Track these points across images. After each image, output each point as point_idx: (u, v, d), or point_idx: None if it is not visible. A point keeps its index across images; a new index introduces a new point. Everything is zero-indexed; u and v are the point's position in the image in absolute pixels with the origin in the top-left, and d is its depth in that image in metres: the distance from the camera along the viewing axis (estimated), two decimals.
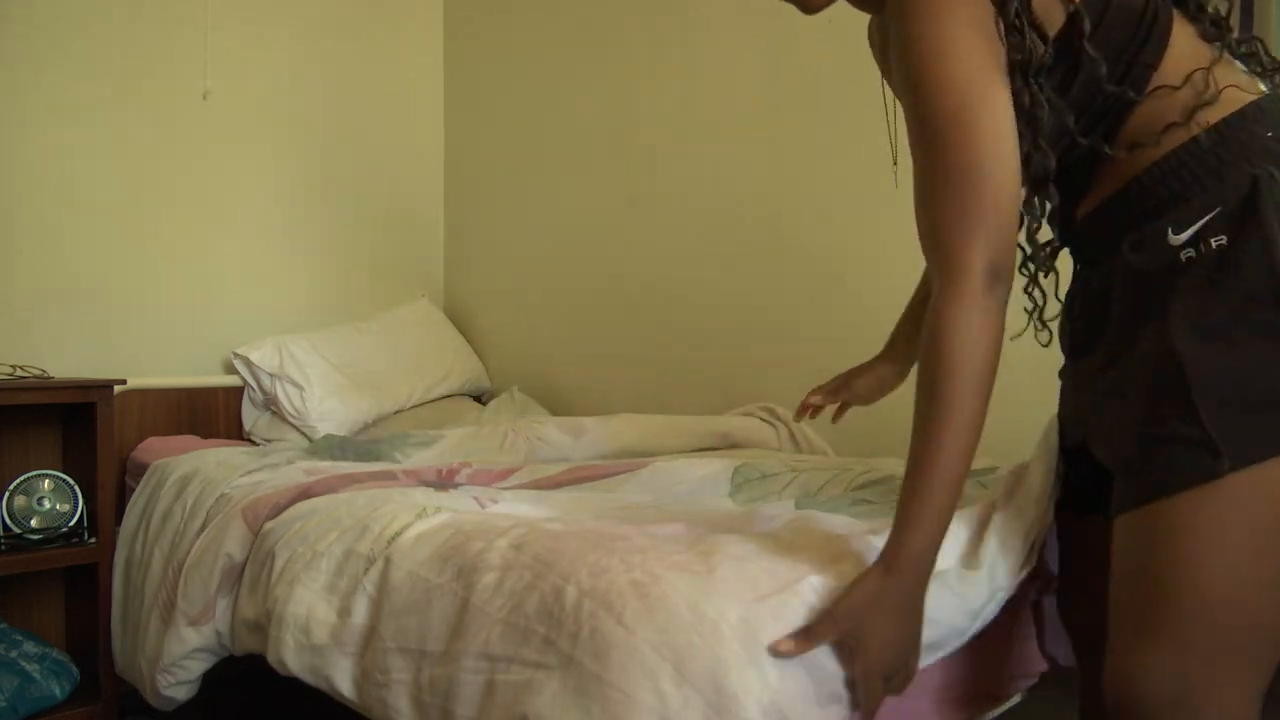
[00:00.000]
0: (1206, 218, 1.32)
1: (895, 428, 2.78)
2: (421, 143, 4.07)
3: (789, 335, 3.03)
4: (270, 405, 3.35)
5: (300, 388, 3.30)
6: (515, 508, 2.02)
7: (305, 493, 2.22)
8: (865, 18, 2.77)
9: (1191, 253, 1.32)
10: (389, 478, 2.32)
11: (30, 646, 2.65)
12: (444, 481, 2.33)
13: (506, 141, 3.88)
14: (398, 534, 1.84)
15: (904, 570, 1.32)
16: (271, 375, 3.30)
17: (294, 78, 3.63)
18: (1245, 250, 1.28)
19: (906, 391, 2.74)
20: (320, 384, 3.34)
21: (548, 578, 1.52)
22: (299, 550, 2.01)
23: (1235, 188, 1.31)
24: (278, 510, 2.19)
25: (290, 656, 1.93)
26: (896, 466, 2.42)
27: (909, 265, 2.75)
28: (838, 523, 1.69)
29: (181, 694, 2.34)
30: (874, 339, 2.82)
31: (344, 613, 1.83)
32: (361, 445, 2.82)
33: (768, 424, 2.98)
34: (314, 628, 1.88)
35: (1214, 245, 1.31)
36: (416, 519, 1.87)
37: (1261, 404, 1.26)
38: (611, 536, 1.60)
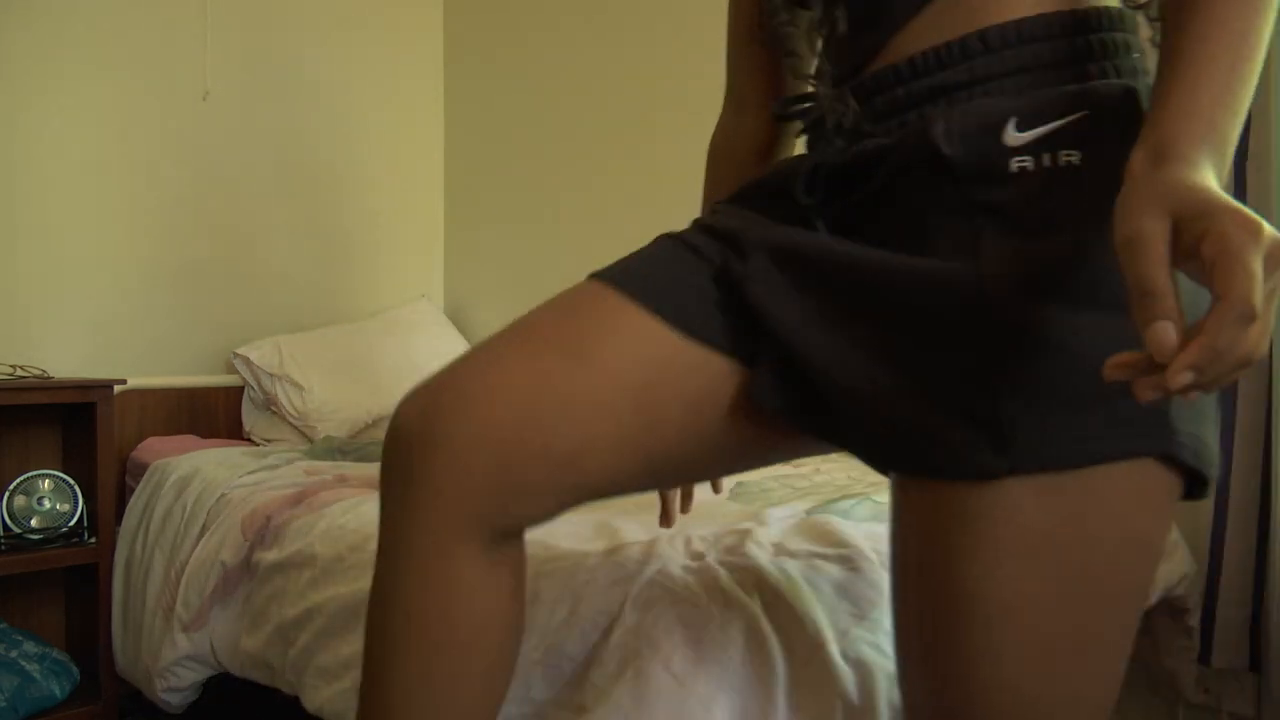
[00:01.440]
0: (1063, 121, 0.97)
1: None
2: (421, 143, 4.07)
3: None
4: (270, 405, 3.34)
5: (300, 388, 3.29)
6: None
7: (301, 498, 2.21)
8: None
9: (1027, 163, 0.96)
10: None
11: (30, 646, 2.65)
12: None
13: (506, 141, 3.88)
14: None
15: (1186, 158, 0.82)
16: (271, 375, 3.30)
17: (294, 77, 3.63)
18: (1101, 185, 0.91)
19: None
20: (320, 384, 3.33)
21: (583, 612, 1.48)
22: (307, 592, 1.99)
23: (1110, 96, 0.97)
24: (275, 529, 2.18)
25: (321, 703, 1.92)
26: (878, 491, 2.42)
27: None
28: (861, 532, 1.66)
29: (175, 700, 2.33)
30: None
31: (359, 653, 1.81)
32: (362, 447, 2.82)
33: None
34: (334, 674, 1.86)
35: (1061, 162, 0.96)
36: None
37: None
38: (638, 556, 1.56)
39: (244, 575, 2.20)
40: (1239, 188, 2.19)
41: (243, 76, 3.47)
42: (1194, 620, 2.20)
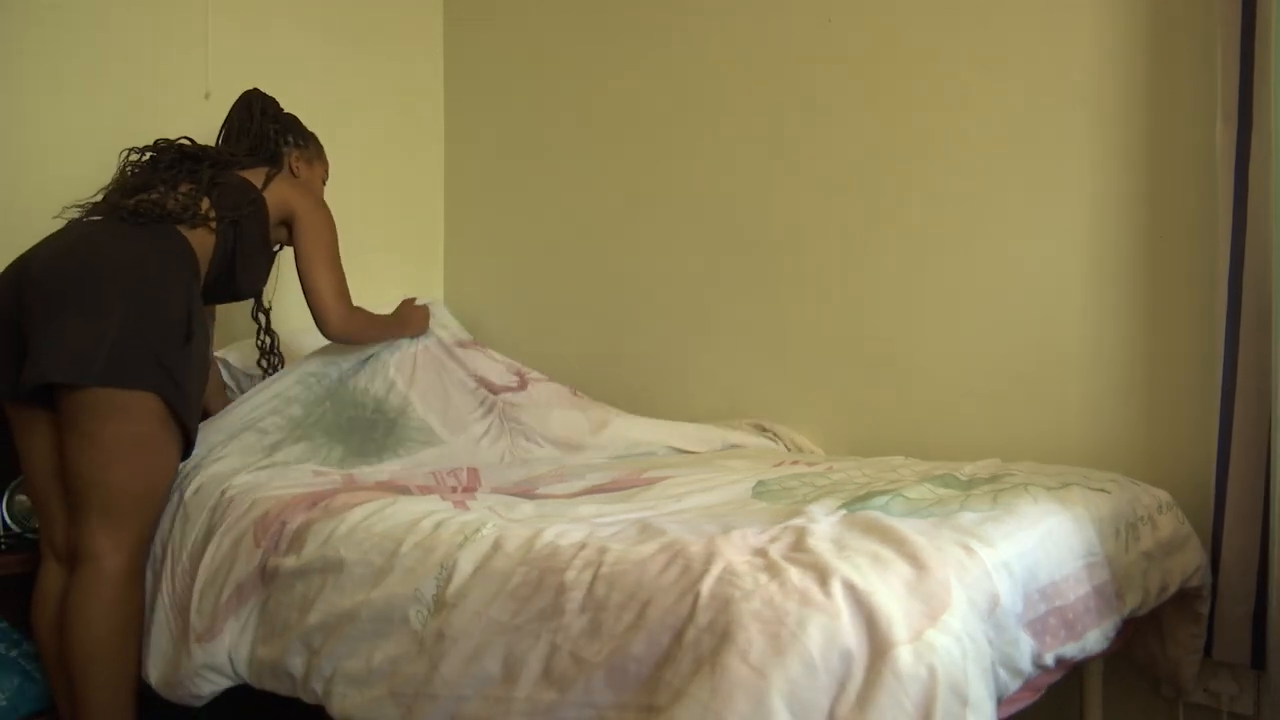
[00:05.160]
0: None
1: (891, 426, 2.83)
2: (421, 143, 4.05)
3: (789, 336, 3.08)
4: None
5: None
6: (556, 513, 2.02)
7: (316, 500, 2.19)
8: (864, 21, 2.83)
9: None
10: (401, 490, 2.28)
11: (30, 646, 2.61)
12: (461, 500, 2.31)
13: (506, 141, 3.88)
14: (443, 567, 1.81)
15: None
16: (250, 377, 3.24)
17: (295, 78, 3.60)
18: None
19: (892, 392, 2.79)
20: None
21: (651, 615, 1.48)
22: (332, 598, 1.97)
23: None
24: (292, 535, 2.14)
25: (333, 704, 1.90)
26: (901, 466, 2.45)
27: (907, 269, 2.80)
28: (908, 527, 1.68)
29: (197, 703, 2.30)
30: (873, 340, 2.86)
31: (400, 660, 1.79)
32: (358, 415, 2.80)
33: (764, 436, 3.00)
34: (365, 680, 1.86)
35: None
36: (461, 547, 1.82)
37: None
38: (701, 556, 1.56)
39: (259, 583, 2.16)
40: (1239, 193, 2.23)
41: (244, 76, 3.43)
42: (1204, 608, 2.24)
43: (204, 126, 3.31)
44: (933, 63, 2.76)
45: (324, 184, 3.02)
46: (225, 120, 2.87)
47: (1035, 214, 2.61)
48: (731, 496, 2.15)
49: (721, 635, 1.39)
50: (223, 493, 2.40)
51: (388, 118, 3.91)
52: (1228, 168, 2.25)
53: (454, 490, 2.34)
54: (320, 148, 3.02)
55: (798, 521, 1.74)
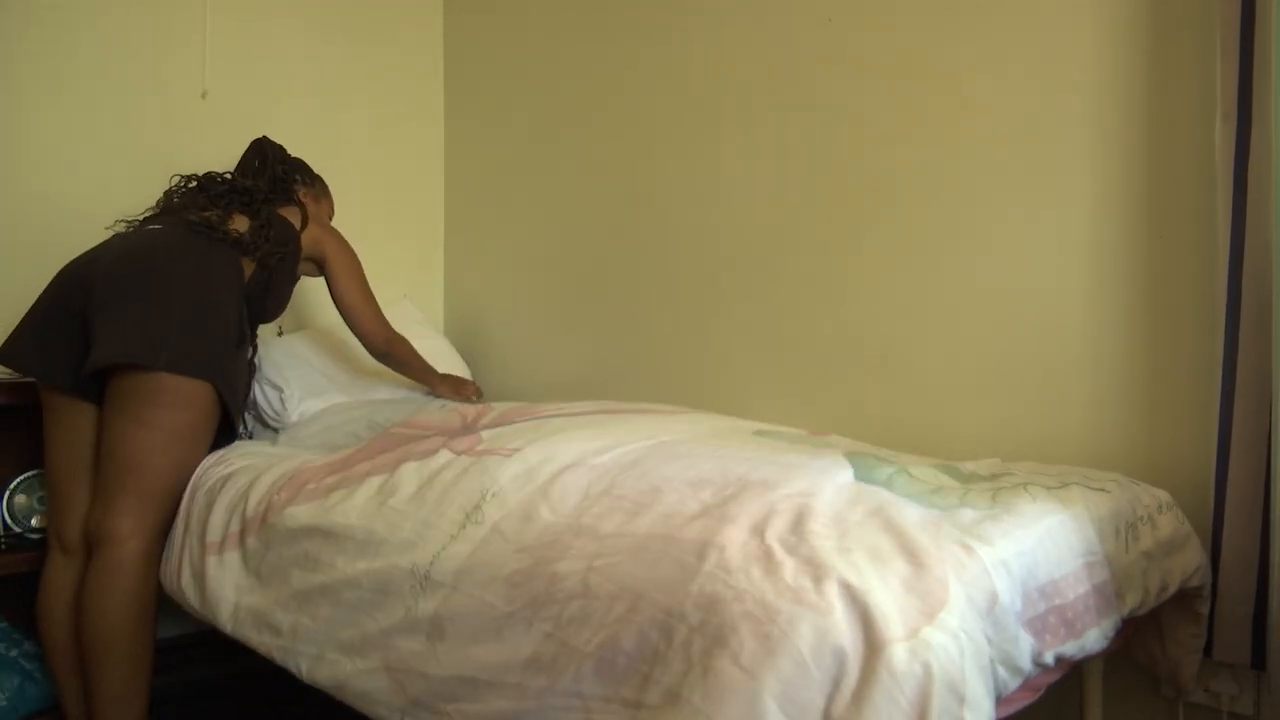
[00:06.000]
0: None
1: (892, 425, 2.82)
2: (421, 143, 4.06)
3: (788, 335, 3.07)
4: (249, 407, 3.29)
5: (279, 389, 3.24)
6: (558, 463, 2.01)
7: (335, 471, 2.22)
8: (864, 21, 2.83)
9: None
10: (415, 436, 2.32)
11: (30, 646, 2.63)
12: (470, 428, 2.32)
13: (507, 141, 3.88)
14: (444, 548, 1.82)
15: None
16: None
17: (293, 77, 3.61)
18: None
19: (892, 392, 2.78)
20: (300, 385, 3.28)
21: (643, 610, 1.48)
22: (335, 561, 1.99)
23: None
24: (310, 492, 2.19)
25: (321, 672, 1.92)
26: (909, 462, 2.45)
27: (907, 268, 2.79)
28: (917, 516, 1.68)
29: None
30: (873, 340, 2.86)
31: (395, 634, 1.81)
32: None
33: None
34: (358, 650, 1.87)
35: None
36: (463, 528, 1.84)
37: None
38: (695, 547, 1.56)
39: (259, 525, 2.22)
40: (1238, 193, 2.23)
41: (241, 75, 3.44)
42: (1204, 608, 2.23)
43: (201, 125, 3.33)
44: (932, 63, 2.76)
45: (330, 219, 3.18)
46: (240, 163, 3.00)
47: (1035, 213, 2.60)
48: (734, 433, 2.24)
49: (713, 637, 1.39)
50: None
51: (387, 117, 3.92)
52: (1227, 166, 2.23)
53: (463, 422, 2.38)
54: (326, 187, 3.18)
55: (801, 487, 1.74)
